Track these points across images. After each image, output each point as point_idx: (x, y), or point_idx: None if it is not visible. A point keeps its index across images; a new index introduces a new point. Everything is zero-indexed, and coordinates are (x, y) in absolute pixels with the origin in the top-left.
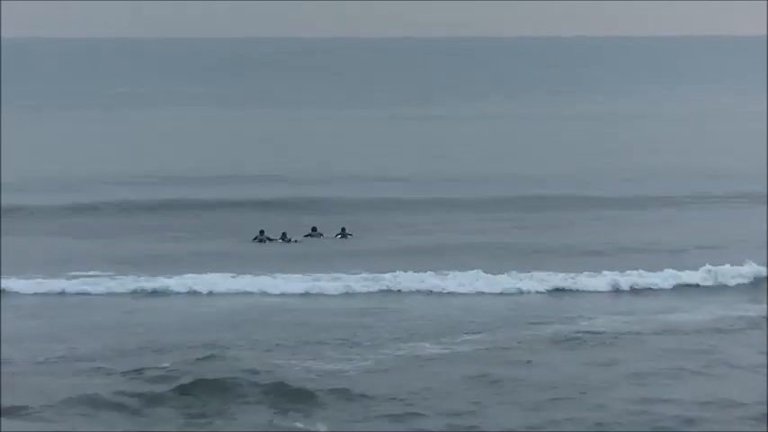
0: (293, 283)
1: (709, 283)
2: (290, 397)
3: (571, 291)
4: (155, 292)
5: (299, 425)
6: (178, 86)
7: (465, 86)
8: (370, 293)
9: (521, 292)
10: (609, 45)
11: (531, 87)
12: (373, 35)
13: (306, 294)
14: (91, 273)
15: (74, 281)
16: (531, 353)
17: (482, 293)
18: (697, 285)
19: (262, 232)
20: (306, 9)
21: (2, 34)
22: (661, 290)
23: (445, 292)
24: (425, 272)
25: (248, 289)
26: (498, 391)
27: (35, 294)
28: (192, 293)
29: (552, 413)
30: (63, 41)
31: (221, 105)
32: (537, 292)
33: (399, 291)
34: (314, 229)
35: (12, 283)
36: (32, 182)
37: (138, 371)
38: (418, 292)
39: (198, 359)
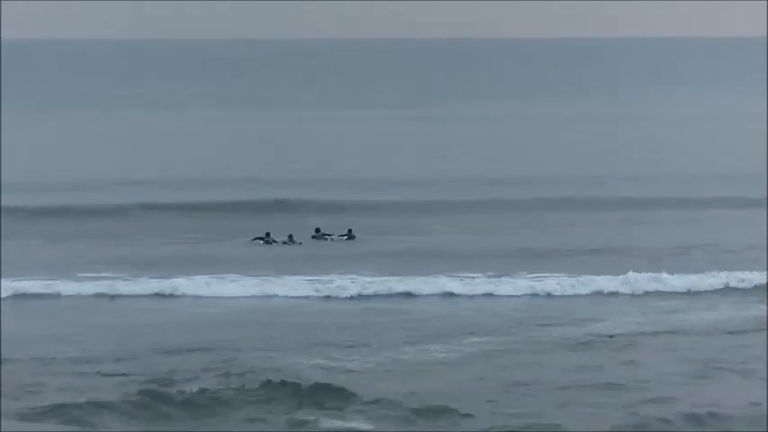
0: (302, 284)
1: (719, 285)
2: (304, 397)
3: (581, 293)
4: (163, 294)
5: (328, 423)
6: (178, 87)
7: (467, 87)
8: (379, 295)
9: (531, 295)
10: (609, 46)
11: (532, 88)
12: (373, 36)
13: (315, 296)
14: (96, 274)
15: (80, 283)
16: (542, 355)
17: (491, 295)
18: (706, 288)
19: (268, 234)
20: (306, 9)
21: (2, 35)
22: (670, 292)
23: (454, 293)
24: (433, 273)
25: (257, 291)
26: (510, 392)
27: (42, 296)
28: (200, 295)
29: (564, 415)
30: (63, 42)
31: (222, 106)
32: (547, 294)
33: (407, 293)
34: (318, 230)
35: (19, 285)
36: (33, 183)
37: (148, 373)
38: (427, 293)
39: (208, 361)
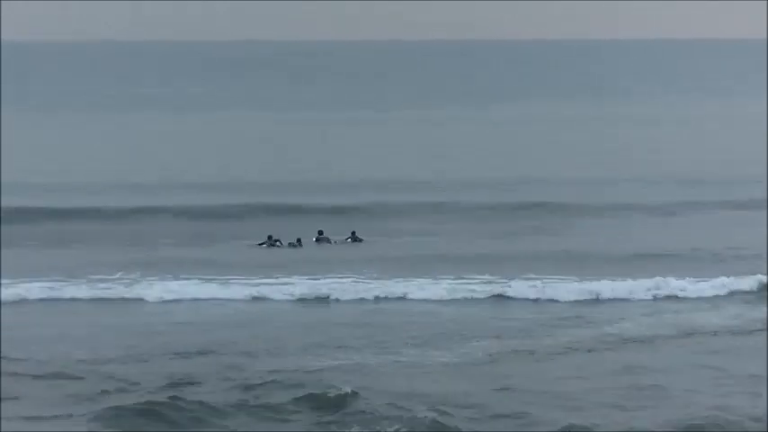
0: (305, 287)
1: (720, 286)
2: (311, 399)
3: (587, 297)
4: (168, 297)
5: (337, 426)
6: (179, 89)
7: (468, 89)
8: (382, 298)
9: (538, 299)
10: (609, 47)
11: (533, 90)
12: (373, 37)
13: (319, 298)
14: (99, 276)
15: (82, 285)
16: (552, 358)
17: (499, 297)
18: (708, 289)
19: (270, 237)
20: (306, 10)
21: (2, 36)
22: (672, 294)
23: (460, 296)
24: (439, 276)
25: (260, 293)
26: (517, 395)
27: (42, 298)
28: (204, 298)
29: (576, 417)
30: (63, 44)
31: (222, 108)
32: (554, 299)
33: (411, 296)
34: (320, 232)
35: (19, 287)
36: (33, 184)
37: (154, 376)
38: (432, 296)
39: (214, 363)
